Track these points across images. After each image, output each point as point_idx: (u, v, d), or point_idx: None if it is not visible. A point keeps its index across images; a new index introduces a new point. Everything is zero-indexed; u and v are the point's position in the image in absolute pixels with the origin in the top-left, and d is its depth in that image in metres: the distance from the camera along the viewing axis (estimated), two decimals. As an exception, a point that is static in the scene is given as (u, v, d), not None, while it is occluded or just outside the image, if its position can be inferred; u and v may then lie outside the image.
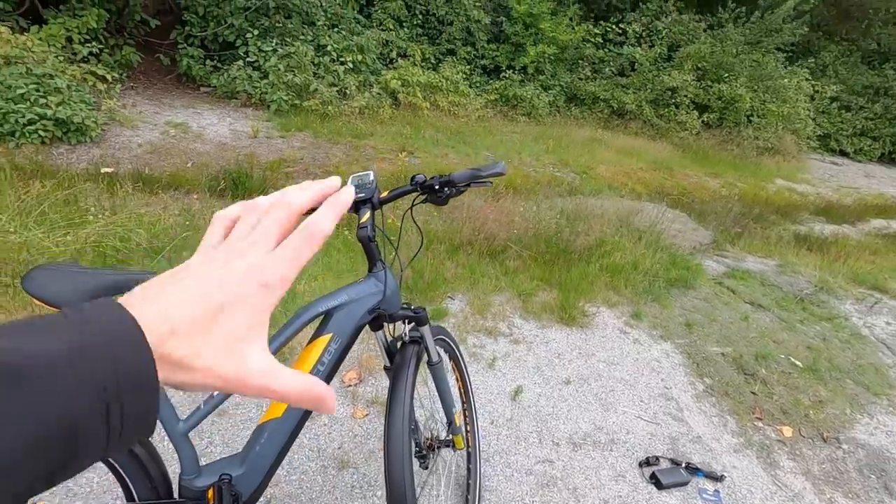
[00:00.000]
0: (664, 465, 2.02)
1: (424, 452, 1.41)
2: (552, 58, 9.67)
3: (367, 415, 1.98)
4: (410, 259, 1.44)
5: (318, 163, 5.25)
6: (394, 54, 8.38)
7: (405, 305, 1.25)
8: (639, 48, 10.60)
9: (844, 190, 9.55)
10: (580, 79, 10.20)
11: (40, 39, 4.85)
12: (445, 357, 1.51)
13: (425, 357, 1.33)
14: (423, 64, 8.68)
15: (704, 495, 1.92)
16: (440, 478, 1.53)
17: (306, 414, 1.10)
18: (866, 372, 3.02)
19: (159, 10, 6.76)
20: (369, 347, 2.34)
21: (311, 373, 1.08)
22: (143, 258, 2.65)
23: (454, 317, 2.80)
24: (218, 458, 1.65)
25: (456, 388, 1.69)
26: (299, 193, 0.34)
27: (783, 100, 10.46)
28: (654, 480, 1.92)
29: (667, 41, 10.65)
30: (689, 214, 5.75)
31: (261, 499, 1.07)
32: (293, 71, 6.53)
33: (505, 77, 9.42)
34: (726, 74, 10.04)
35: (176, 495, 1.10)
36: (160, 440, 1.65)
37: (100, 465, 1.04)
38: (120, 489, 1.07)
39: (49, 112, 4.13)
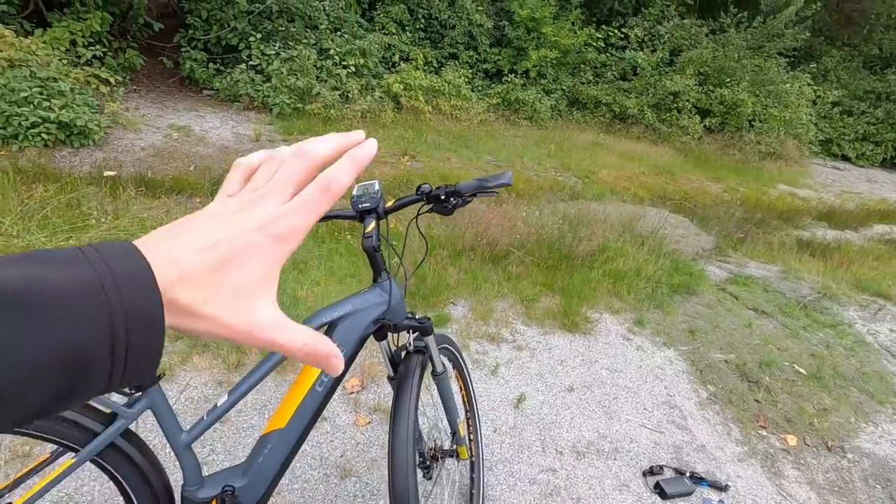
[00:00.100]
0: (668, 474, 2.01)
1: (428, 463, 1.40)
2: (554, 62, 9.69)
3: (369, 422, 1.97)
4: (415, 268, 1.43)
5: (320, 166, 5.25)
6: (396, 58, 8.40)
7: (409, 315, 1.25)
8: (641, 52, 10.61)
9: (847, 195, 9.54)
10: (582, 83, 10.21)
11: (44, 43, 4.87)
12: (449, 366, 1.50)
13: (429, 367, 1.33)
14: (426, 68, 8.70)
15: (709, 505, 1.91)
16: (444, 488, 1.52)
17: (310, 425, 1.09)
18: (871, 380, 3.00)
19: (163, 13, 6.78)
20: (372, 354, 2.33)
21: (314, 385, 1.07)
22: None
23: (457, 323, 2.79)
24: (220, 466, 1.64)
25: (459, 396, 1.68)
26: (320, 144, 0.32)
27: (785, 104, 10.47)
28: (659, 490, 1.91)
29: (669, 46, 10.67)
30: (692, 219, 5.75)
31: (263, 509, 1.06)
32: (296, 74, 6.54)
33: (507, 81, 9.43)
34: (728, 79, 10.05)
35: (178, 506, 1.09)
36: (161, 448, 1.64)
37: (101, 475, 1.03)
38: (122, 499, 1.06)
39: (52, 115, 4.13)
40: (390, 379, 1.33)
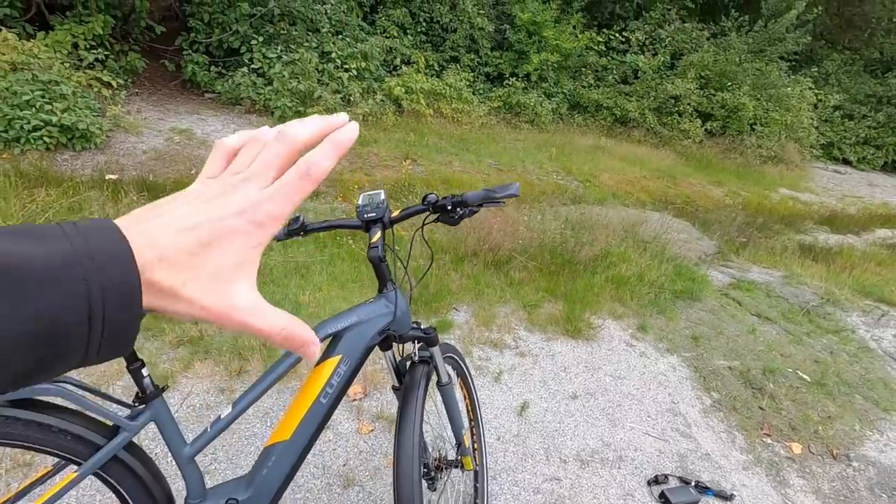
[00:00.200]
0: (673, 483, 1.99)
1: (433, 474, 1.39)
2: (555, 65, 9.70)
3: (372, 430, 1.96)
4: (420, 278, 1.42)
5: (321, 170, 5.24)
6: (398, 61, 8.40)
7: (415, 325, 1.23)
8: (642, 56, 10.62)
9: (848, 199, 9.54)
10: (583, 86, 10.22)
11: (46, 46, 4.87)
12: (453, 374, 1.49)
13: (434, 377, 1.31)
14: (427, 71, 8.70)
15: (714, 515, 1.90)
16: (448, 499, 1.51)
17: (315, 436, 1.08)
18: (875, 387, 2.99)
19: (164, 16, 6.78)
20: (374, 361, 2.31)
21: (318, 396, 1.06)
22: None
23: (459, 329, 2.78)
24: (222, 475, 1.63)
25: (463, 405, 1.67)
26: (301, 128, 0.32)
27: (786, 108, 10.47)
28: (664, 500, 1.89)
29: (670, 49, 10.68)
30: (693, 223, 5.74)
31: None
32: (297, 78, 6.54)
33: (508, 84, 9.43)
34: (729, 83, 10.05)
35: (181, 519, 1.08)
36: (163, 456, 1.63)
37: (102, 486, 1.02)
38: (124, 513, 1.04)
39: (54, 118, 4.12)
40: (395, 389, 1.31)
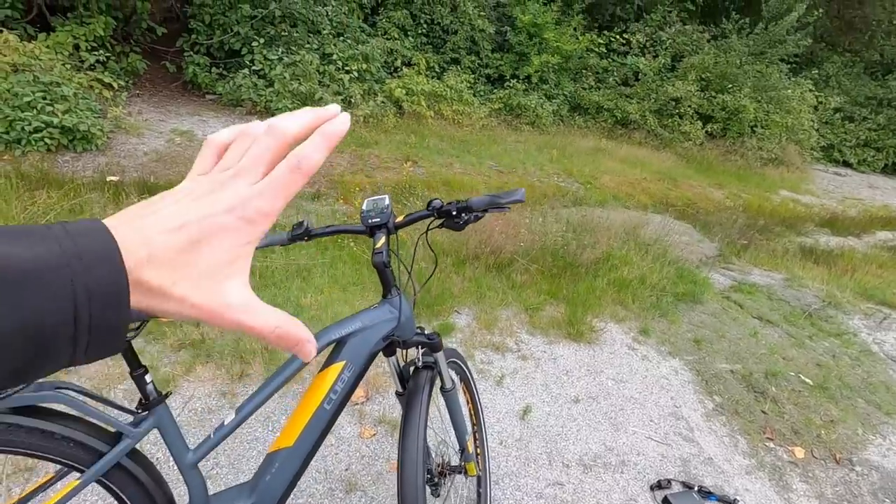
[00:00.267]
0: (676, 488, 1.99)
1: (436, 480, 1.38)
2: (556, 67, 9.70)
3: (374, 434, 1.95)
4: (423, 283, 1.41)
5: (321, 171, 5.24)
6: (398, 63, 8.40)
7: (419, 331, 1.23)
8: (642, 58, 10.63)
9: (849, 201, 9.53)
10: (584, 88, 10.22)
11: (47, 47, 4.87)
12: (456, 379, 1.48)
13: (438, 382, 1.31)
14: (428, 73, 8.70)
15: (718, 520, 1.89)
16: (451, 504, 1.50)
17: (319, 443, 1.08)
18: (877, 390, 2.98)
19: (166, 17, 6.79)
20: (376, 364, 2.30)
21: (322, 402, 1.06)
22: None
23: (461, 332, 2.77)
24: (224, 479, 1.62)
25: (466, 409, 1.66)
26: (291, 121, 0.31)
27: (787, 111, 10.47)
28: (667, 505, 1.88)
29: (670, 51, 10.68)
30: (695, 226, 5.73)
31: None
32: (298, 79, 6.54)
33: (509, 86, 9.43)
34: (730, 85, 10.05)
35: (184, 525, 1.07)
36: (164, 461, 1.62)
37: (104, 492, 1.02)
38: (126, 519, 1.04)
39: (55, 120, 4.12)
40: (398, 395, 1.31)
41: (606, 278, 3.53)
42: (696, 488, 1.97)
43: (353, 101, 7.04)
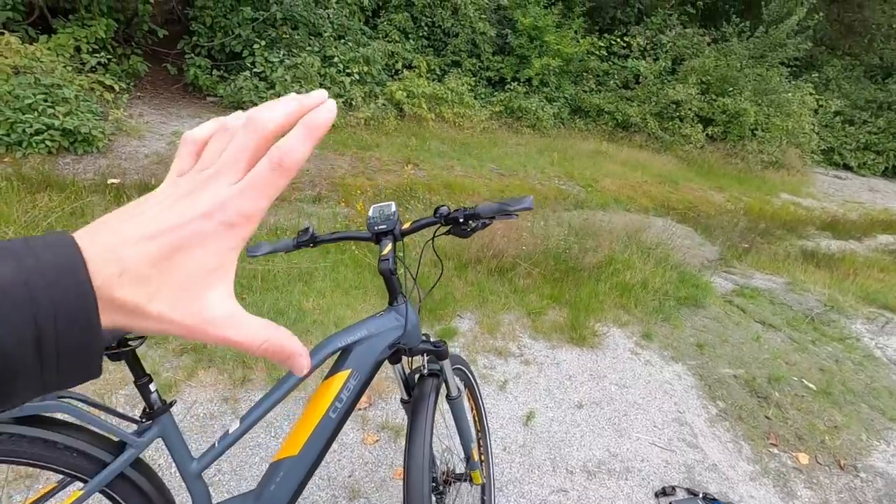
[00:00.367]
0: (681, 495, 1.97)
1: (441, 488, 1.37)
2: (557, 70, 9.70)
3: (377, 440, 1.94)
4: (429, 289, 1.40)
5: (323, 174, 5.24)
6: (399, 66, 8.41)
7: (425, 339, 1.22)
8: (643, 61, 10.63)
9: (849, 204, 9.54)
10: (585, 91, 10.23)
11: (49, 49, 4.86)
12: (461, 386, 1.47)
13: (444, 390, 1.30)
14: (429, 75, 8.71)
15: (723, 528, 1.88)
16: (456, 513, 1.49)
17: (323, 452, 1.06)
18: (881, 396, 2.97)
19: (167, 19, 6.79)
20: (380, 369, 2.29)
21: (327, 411, 1.04)
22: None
23: (463, 336, 2.76)
24: (227, 486, 1.61)
25: (470, 415, 1.65)
26: (271, 111, 0.28)
27: (787, 114, 10.48)
28: (672, 512, 1.87)
29: (671, 55, 10.69)
30: (696, 229, 5.73)
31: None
32: (299, 82, 6.54)
33: (510, 89, 9.44)
34: (730, 88, 10.06)
35: (188, 536, 1.06)
36: (166, 467, 1.61)
37: (107, 503, 1.00)
38: (130, 530, 1.02)
39: (56, 122, 4.12)
40: (404, 402, 1.30)
41: (609, 282, 3.52)
42: (700, 495, 1.96)
43: (353, 103, 7.04)
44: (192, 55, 6.65)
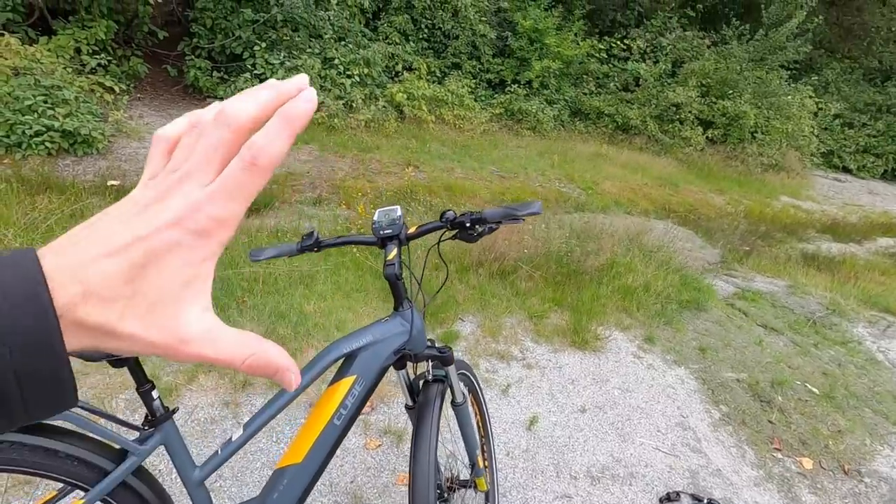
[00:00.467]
0: (685, 501, 1.96)
1: (445, 495, 1.36)
2: (557, 72, 9.71)
3: (380, 445, 1.92)
4: (434, 294, 1.39)
5: (323, 176, 5.23)
6: (400, 67, 8.41)
7: (429, 343, 1.21)
8: (643, 64, 10.65)
9: (849, 207, 9.54)
10: (585, 93, 10.23)
11: (49, 51, 4.85)
12: (466, 392, 1.46)
13: (448, 396, 1.28)
14: (429, 77, 8.71)
15: (728, 534, 1.86)
16: (460, 519, 1.48)
17: (328, 459, 1.05)
18: (884, 400, 2.96)
19: (167, 21, 6.78)
20: (380, 373, 2.28)
21: (331, 418, 1.03)
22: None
23: (465, 340, 2.75)
24: (228, 492, 1.59)
25: (474, 421, 1.64)
26: (245, 103, 0.25)
27: (787, 117, 10.49)
28: (676, 518, 1.86)
29: (671, 57, 10.70)
30: (696, 232, 5.72)
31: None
32: (304, 85, 6.53)
33: (510, 91, 9.44)
34: (730, 91, 10.07)
35: (190, 543, 1.04)
36: (166, 473, 1.59)
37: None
38: (131, 540, 1.01)
39: (56, 124, 4.10)
40: (408, 408, 1.28)
41: (611, 286, 3.51)
42: (705, 501, 1.95)
43: (354, 105, 7.04)
44: (193, 57, 6.64)
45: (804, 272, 5.05)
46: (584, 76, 10.34)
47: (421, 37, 9.04)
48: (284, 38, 6.95)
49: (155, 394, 0.96)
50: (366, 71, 7.41)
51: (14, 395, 0.20)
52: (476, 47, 9.47)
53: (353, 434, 1.96)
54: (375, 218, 1.14)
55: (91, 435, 0.92)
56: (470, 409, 1.45)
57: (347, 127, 6.73)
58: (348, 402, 1.04)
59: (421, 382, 1.26)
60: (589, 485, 1.95)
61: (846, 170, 12.71)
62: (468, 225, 1.09)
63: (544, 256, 3.66)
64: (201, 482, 1.02)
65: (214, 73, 6.68)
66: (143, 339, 0.23)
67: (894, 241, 7.64)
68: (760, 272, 4.92)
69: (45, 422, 0.90)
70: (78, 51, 5.28)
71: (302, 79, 0.27)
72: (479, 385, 1.57)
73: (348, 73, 7.20)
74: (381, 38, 8.42)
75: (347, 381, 1.05)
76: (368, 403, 2.07)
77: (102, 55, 5.43)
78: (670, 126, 10.05)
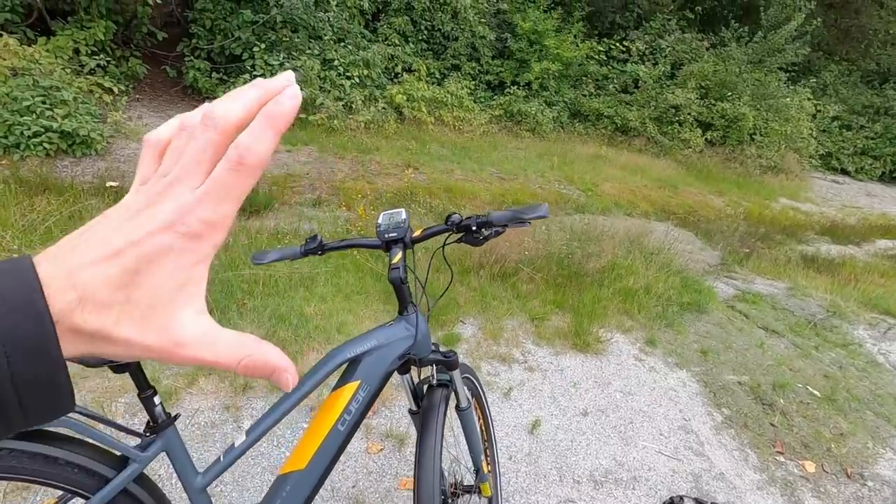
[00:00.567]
0: (689, 505, 1.95)
1: (449, 501, 1.34)
2: (556, 74, 9.72)
3: (381, 449, 1.91)
4: (438, 297, 1.37)
5: (323, 178, 5.21)
6: (399, 69, 8.40)
7: (434, 347, 1.19)
8: (642, 66, 10.66)
9: (848, 209, 9.56)
10: (584, 95, 10.24)
11: (47, 51, 4.83)
12: (469, 396, 1.44)
13: (453, 400, 1.27)
14: (428, 79, 8.70)
15: (732, 538, 1.85)
16: (464, 525, 1.46)
17: (331, 465, 1.03)
18: (886, 402, 2.95)
19: (166, 22, 6.77)
20: (382, 376, 2.26)
21: (335, 424, 1.01)
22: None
23: (466, 342, 2.73)
24: (228, 497, 1.57)
25: (477, 426, 1.62)
26: (231, 104, 0.26)
27: (785, 119, 10.52)
28: (680, 522, 1.84)
29: (670, 59, 10.73)
30: (696, 234, 5.72)
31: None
32: (299, 85, 6.51)
33: (509, 93, 9.45)
34: (729, 93, 10.10)
35: (191, 551, 1.03)
36: (166, 478, 1.58)
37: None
38: (132, 548, 0.99)
39: (55, 124, 4.08)
40: (412, 413, 1.27)
41: (612, 288, 3.50)
42: (709, 505, 1.94)
43: (353, 106, 7.03)
44: (192, 58, 6.62)
45: (804, 274, 5.05)
46: (584, 78, 10.36)
47: (420, 38, 9.04)
48: (284, 39, 6.94)
49: (157, 399, 0.95)
50: (365, 72, 7.40)
51: (11, 401, 0.21)
52: (475, 49, 9.47)
53: (355, 438, 1.94)
54: (380, 221, 1.12)
55: (91, 441, 0.91)
56: (474, 413, 1.43)
57: (347, 128, 6.72)
58: (352, 408, 1.02)
59: (425, 387, 1.25)
60: (592, 489, 1.94)
61: (844, 172, 12.75)
62: (474, 228, 1.08)
63: (545, 258, 3.65)
64: (203, 489, 1.00)
65: (214, 75, 6.66)
66: (138, 343, 0.24)
67: (893, 242, 7.65)
68: (760, 274, 4.92)
69: (45, 428, 0.89)
70: (77, 51, 5.26)
71: (288, 76, 0.28)
72: (482, 389, 1.56)
73: (348, 74, 7.19)
74: (380, 39, 8.42)
75: (351, 387, 1.03)
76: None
77: (101, 56, 5.41)
78: (669, 128, 10.07)
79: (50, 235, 2.70)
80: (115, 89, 5.13)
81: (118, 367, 0.92)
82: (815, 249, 6.49)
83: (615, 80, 10.61)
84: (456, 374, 1.22)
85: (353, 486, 1.74)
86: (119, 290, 0.23)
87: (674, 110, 10.01)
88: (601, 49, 10.48)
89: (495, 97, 9.58)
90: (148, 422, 0.96)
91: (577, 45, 9.95)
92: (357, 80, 7.23)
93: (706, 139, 10.18)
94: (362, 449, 1.90)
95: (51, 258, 0.23)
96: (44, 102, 4.14)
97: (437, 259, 1.24)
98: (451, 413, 1.34)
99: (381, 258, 3.22)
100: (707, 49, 11.06)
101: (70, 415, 0.88)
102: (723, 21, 11.46)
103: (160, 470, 1.61)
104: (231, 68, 6.79)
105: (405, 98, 7.71)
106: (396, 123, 7.42)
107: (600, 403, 2.45)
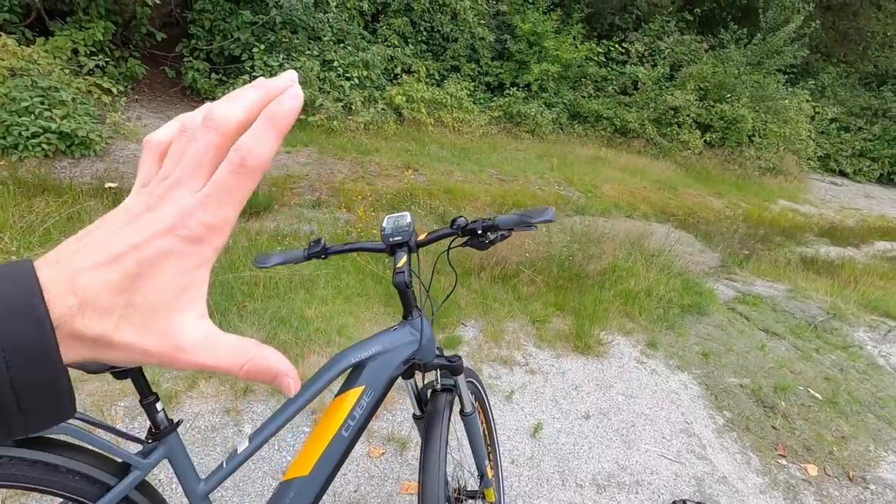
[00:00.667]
0: (692, 509, 1.94)
1: (453, 507, 1.33)
2: (555, 76, 9.73)
3: (383, 453, 1.90)
4: (442, 301, 1.36)
5: (323, 179, 5.20)
6: (398, 70, 8.40)
7: (438, 352, 1.18)
8: (641, 67, 10.68)
9: (846, 211, 9.58)
10: (583, 97, 10.25)
11: (46, 52, 4.81)
12: (473, 400, 1.43)
13: (457, 405, 1.26)
14: (428, 80, 8.70)
15: (735, 543, 1.84)
16: (467, 531, 1.45)
17: (335, 471, 1.02)
18: (887, 405, 2.95)
19: (165, 22, 6.75)
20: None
21: (339, 429, 1.00)
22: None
23: (468, 345, 2.72)
24: (229, 502, 1.56)
25: (481, 430, 1.61)
26: (232, 105, 0.25)
27: (784, 120, 10.54)
28: (683, 527, 1.84)
29: (669, 61, 10.74)
30: (696, 235, 5.72)
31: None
32: (300, 85, 6.51)
33: (509, 94, 9.45)
34: (728, 95, 10.12)
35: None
36: (166, 483, 1.56)
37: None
38: (134, 556, 0.98)
39: (53, 125, 4.06)
40: (416, 418, 1.26)
41: (613, 290, 3.49)
42: (712, 509, 1.93)
43: (353, 107, 7.02)
44: (191, 58, 6.61)
45: (804, 276, 5.05)
46: (583, 79, 10.37)
47: (420, 39, 9.04)
48: (283, 40, 6.93)
49: (159, 406, 0.94)
50: (365, 73, 7.40)
51: (11, 407, 0.20)
52: (475, 50, 9.47)
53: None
54: (384, 224, 1.11)
55: (92, 448, 0.89)
56: (478, 418, 1.42)
57: (346, 129, 6.71)
58: (357, 413, 1.01)
59: (429, 392, 1.24)
60: (595, 493, 1.93)
61: (842, 173, 12.77)
62: (480, 232, 1.07)
63: (546, 260, 3.64)
64: (206, 495, 0.99)
65: (213, 75, 6.64)
66: (139, 348, 0.23)
67: (891, 244, 7.66)
68: (760, 276, 4.92)
69: (45, 435, 0.88)
70: (75, 52, 5.24)
71: (290, 76, 0.27)
72: (485, 393, 1.55)
73: (347, 75, 7.18)
74: (380, 40, 8.41)
75: (356, 392, 1.02)
76: (371, 410, 2.04)
77: (100, 56, 5.39)
78: (668, 129, 10.08)
79: (48, 237, 2.69)
80: (114, 90, 5.12)
81: (120, 373, 0.91)
82: (814, 251, 6.50)
83: (614, 82, 10.62)
84: (460, 378, 1.21)
85: (355, 491, 1.72)
86: (120, 295, 0.23)
87: (673, 112, 10.02)
88: (600, 51, 10.49)
89: (495, 98, 9.58)
90: (150, 428, 0.95)
91: (577, 47, 9.97)
92: (356, 82, 7.23)
93: (705, 141, 10.19)
94: (364, 452, 1.89)
95: (51, 263, 0.23)
96: (42, 103, 4.12)
97: (439, 261, 1.23)
98: (455, 417, 1.33)
99: (381, 260, 3.20)
100: (706, 51, 11.09)
101: (70, 421, 0.86)
102: (722, 23, 11.48)
103: (160, 475, 1.60)
104: (230, 69, 6.78)
105: (405, 99, 7.71)
106: (396, 125, 7.42)
107: (602, 406, 2.45)
